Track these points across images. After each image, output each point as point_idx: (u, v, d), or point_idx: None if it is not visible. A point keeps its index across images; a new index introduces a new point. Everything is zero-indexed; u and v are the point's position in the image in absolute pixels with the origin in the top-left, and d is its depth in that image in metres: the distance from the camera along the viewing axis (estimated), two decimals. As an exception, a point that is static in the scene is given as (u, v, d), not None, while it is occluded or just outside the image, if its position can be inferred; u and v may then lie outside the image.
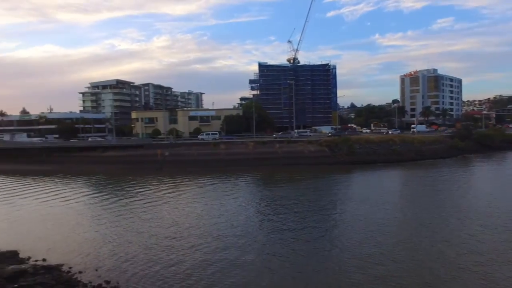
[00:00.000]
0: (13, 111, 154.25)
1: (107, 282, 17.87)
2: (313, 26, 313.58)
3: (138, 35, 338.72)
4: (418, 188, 45.04)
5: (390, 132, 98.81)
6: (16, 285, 16.79)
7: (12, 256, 21.35)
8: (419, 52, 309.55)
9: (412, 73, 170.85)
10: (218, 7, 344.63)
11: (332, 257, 21.52)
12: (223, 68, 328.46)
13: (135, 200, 39.59)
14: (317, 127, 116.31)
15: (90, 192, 45.96)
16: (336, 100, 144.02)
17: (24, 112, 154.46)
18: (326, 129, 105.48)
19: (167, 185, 49.92)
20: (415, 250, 22.02)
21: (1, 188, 50.12)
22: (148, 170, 63.14)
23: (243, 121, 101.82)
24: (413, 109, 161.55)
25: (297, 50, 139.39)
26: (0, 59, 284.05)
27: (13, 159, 75.23)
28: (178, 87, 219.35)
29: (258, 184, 51.96)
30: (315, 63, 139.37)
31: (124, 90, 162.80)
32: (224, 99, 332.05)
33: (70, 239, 25.67)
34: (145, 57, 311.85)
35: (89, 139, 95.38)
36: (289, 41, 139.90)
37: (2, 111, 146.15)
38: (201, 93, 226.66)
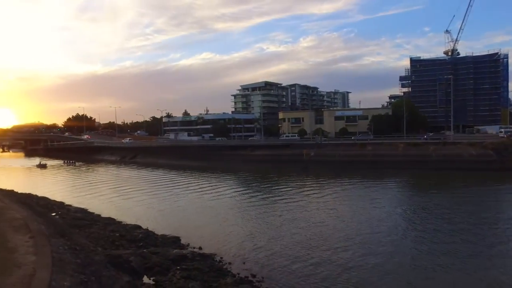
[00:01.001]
0: (177, 113, 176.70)
1: (253, 275, 18.58)
2: (478, 10, 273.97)
3: (285, 37, 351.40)
4: None
5: None
6: (178, 267, 18.74)
7: (175, 241, 24.04)
8: None
9: None
10: (365, 1, 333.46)
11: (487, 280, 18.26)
12: (371, 65, 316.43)
13: (278, 198, 40.76)
14: (480, 127, 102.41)
15: (238, 188, 49.24)
16: (507, 95, 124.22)
17: (185, 113, 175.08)
18: (494, 129, 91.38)
19: (311, 185, 50.22)
20: None
21: (165, 181, 57.66)
22: (294, 170, 64.59)
23: (392, 120, 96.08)
24: None
25: (456, 40, 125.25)
26: (168, 68, 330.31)
27: (176, 155, 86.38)
28: (324, 87, 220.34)
29: (407, 189, 48.19)
30: (480, 53, 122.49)
31: (272, 91, 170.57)
32: (372, 98, 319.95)
33: (220, 231, 27.65)
34: (291, 58, 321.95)
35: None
36: (447, 31, 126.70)
37: (169, 113, 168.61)
38: (348, 92, 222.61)
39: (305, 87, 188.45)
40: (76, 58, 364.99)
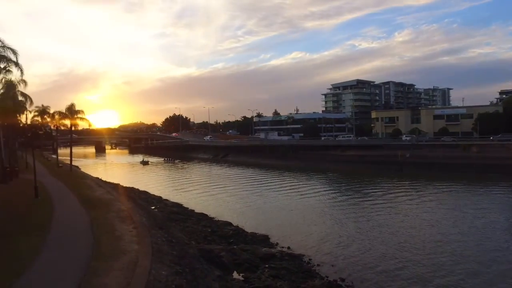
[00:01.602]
0: (268, 113, 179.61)
1: (342, 279, 18.02)
2: None
3: (378, 33, 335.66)
4: None
5: None
6: (267, 265, 18.96)
7: (264, 239, 24.37)
8: None
9: None
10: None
11: None
12: (477, 58, 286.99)
13: (369, 201, 39.10)
14: None
15: (327, 189, 48.37)
16: None
17: (275, 113, 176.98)
18: None
19: (404, 188, 47.22)
20: None
21: (255, 179, 58.98)
22: (387, 172, 61.49)
23: (503, 119, 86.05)
24: None
25: None
26: (259, 69, 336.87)
27: (266, 154, 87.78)
28: (421, 84, 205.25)
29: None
30: None
31: (364, 89, 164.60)
32: (478, 94, 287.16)
33: (308, 231, 27.39)
34: (385, 54, 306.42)
35: (341, 137, 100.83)
36: None
37: (259, 112, 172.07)
38: (448, 89, 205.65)
39: (400, 84, 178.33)
40: (173, 62, 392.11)
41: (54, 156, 77.18)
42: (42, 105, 54.35)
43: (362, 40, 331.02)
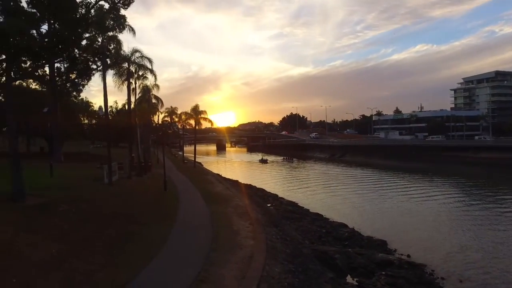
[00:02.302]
0: (388, 111, 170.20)
1: (472, 298, 16.16)
2: None
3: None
4: None
5: None
6: (383, 272, 17.99)
7: (381, 244, 23.10)
8: None
9: None
10: None
11: None
12: None
13: (505, 210, 34.06)
14: None
15: (453, 194, 43.56)
16: None
17: (397, 111, 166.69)
18: None
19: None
20: None
21: (372, 180, 56.48)
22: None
23: None
24: None
25: None
26: (379, 65, 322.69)
27: (386, 154, 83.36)
28: None
29: None
30: None
31: (505, 82, 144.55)
32: None
33: (430, 239, 25.15)
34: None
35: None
36: None
37: (379, 111, 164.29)
38: None
39: None
40: (290, 61, 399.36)
41: (180, 153, 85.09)
42: (171, 107, 60.79)
43: (505, 24, 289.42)
